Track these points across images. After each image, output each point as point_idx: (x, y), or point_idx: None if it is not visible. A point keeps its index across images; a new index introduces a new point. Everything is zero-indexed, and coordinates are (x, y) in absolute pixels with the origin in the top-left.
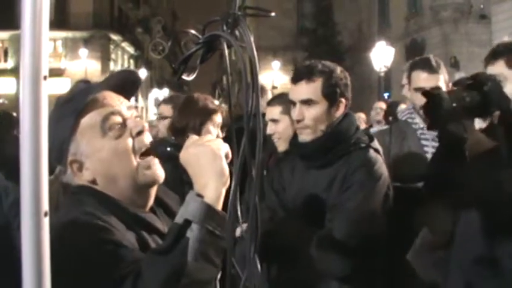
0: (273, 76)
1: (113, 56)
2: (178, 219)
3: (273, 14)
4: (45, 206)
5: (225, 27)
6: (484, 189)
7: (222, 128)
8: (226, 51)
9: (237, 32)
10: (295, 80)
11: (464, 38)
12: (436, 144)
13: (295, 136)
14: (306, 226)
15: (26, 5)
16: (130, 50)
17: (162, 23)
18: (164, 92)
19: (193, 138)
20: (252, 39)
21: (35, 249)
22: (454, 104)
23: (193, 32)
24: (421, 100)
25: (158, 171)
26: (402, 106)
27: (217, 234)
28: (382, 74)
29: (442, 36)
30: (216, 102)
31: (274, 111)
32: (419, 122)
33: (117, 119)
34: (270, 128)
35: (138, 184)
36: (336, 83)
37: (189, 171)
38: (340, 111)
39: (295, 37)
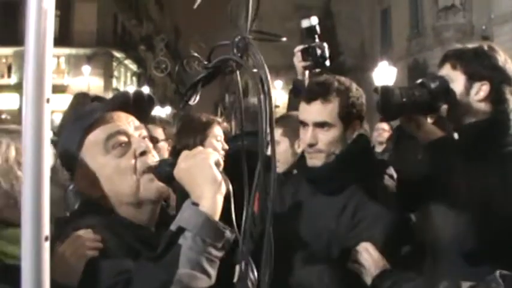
0: (276, 95)
1: (115, 73)
2: (173, 226)
3: (284, 38)
4: (46, 230)
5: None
6: (440, 173)
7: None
8: (239, 77)
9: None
10: (308, 99)
11: None
12: None
13: (301, 158)
14: (309, 255)
15: (30, 28)
16: (133, 67)
17: (165, 41)
18: (166, 110)
19: (184, 153)
20: (263, 61)
21: (35, 273)
22: (404, 99)
23: (196, 55)
24: None
25: (160, 186)
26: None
27: (210, 243)
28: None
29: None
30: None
31: (275, 133)
32: None
33: (122, 137)
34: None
35: (141, 199)
36: (353, 103)
37: (184, 186)
38: (355, 133)
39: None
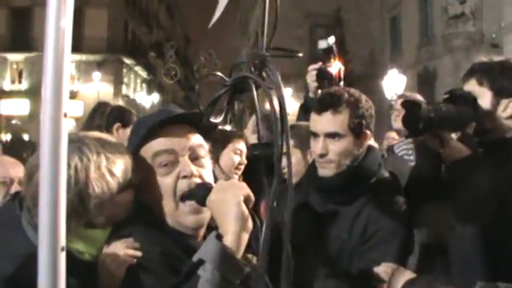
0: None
1: (125, 79)
2: (195, 257)
3: (300, 54)
4: (63, 241)
5: (252, 68)
6: (466, 192)
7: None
8: (255, 93)
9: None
10: (319, 109)
11: None
12: None
13: (312, 168)
14: (319, 263)
15: (48, 46)
16: (143, 74)
17: (175, 48)
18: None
19: (218, 184)
20: (280, 80)
21: (51, 283)
22: (432, 115)
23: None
24: None
25: (202, 216)
26: (392, 135)
27: (228, 278)
28: (394, 103)
29: (453, 65)
30: (228, 127)
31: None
32: (413, 159)
33: (169, 157)
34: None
35: (181, 224)
36: (363, 114)
37: (214, 216)
38: (365, 144)
39: (307, 64)
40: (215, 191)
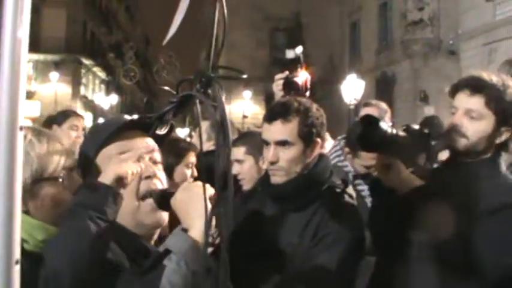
0: (244, 106)
1: (83, 80)
2: (161, 248)
3: (244, 76)
4: (17, 254)
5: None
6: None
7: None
8: (199, 109)
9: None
10: (269, 119)
11: (434, 72)
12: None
13: (266, 175)
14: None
15: (4, 57)
16: (102, 75)
17: (134, 49)
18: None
19: (183, 185)
20: (224, 99)
21: None
22: (387, 133)
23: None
24: None
25: (159, 216)
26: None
27: (193, 269)
28: (352, 107)
29: (412, 71)
30: (187, 129)
31: (239, 152)
32: (348, 164)
33: (132, 158)
34: (235, 169)
35: (140, 222)
36: (313, 122)
37: (178, 215)
38: (316, 151)
39: (267, 67)
40: (180, 191)
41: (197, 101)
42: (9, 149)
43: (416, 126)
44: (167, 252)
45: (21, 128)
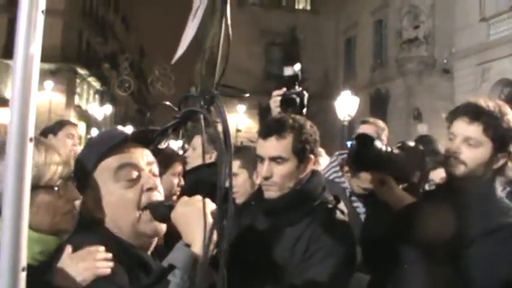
0: (238, 119)
1: (78, 90)
2: (165, 262)
3: (247, 94)
4: (24, 262)
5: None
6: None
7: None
8: (203, 124)
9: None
10: (264, 135)
11: (427, 90)
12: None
13: (259, 190)
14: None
15: (17, 72)
16: (96, 85)
17: (129, 60)
18: (128, 129)
19: (183, 199)
20: (227, 117)
21: None
22: (382, 151)
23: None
24: None
25: (159, 225)
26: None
27: (196, 284)
28: (346, 123)
29: (405, 88)
30: (180, 141)
31: (233, 165)
32: (345, 180)
33: (133, 171)
34: None
35: (140, 232)
36: (306, 139)
37: (178, 228)
38: (309, 167)
39: (262, 81)
40: (182, 205)
41: (201, 117)
42: (19, 160)
43: (412, 143)
44: (171, 267)
45: (31, 140)
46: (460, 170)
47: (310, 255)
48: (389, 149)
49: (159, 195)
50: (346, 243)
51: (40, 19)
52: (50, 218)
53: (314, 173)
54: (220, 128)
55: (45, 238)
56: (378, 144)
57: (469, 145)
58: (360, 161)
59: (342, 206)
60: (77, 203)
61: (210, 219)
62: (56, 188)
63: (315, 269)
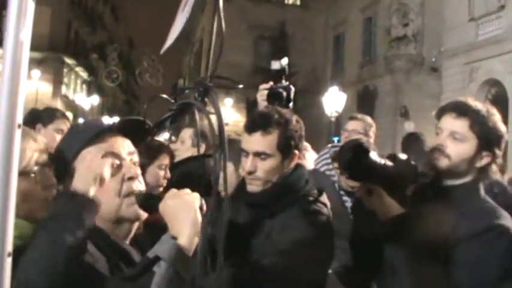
0: (225, 113)
1: (65, 79)
2: (150, 254)
3: (241, 86)
4: (9, 247)
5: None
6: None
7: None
8: (198, 117)
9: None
10: (250, 130)
11: (415, 88)
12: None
13: (242, 183)
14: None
15: (6, 59)
16: (84, 75)
17: (118, 51)
18: (115, 120)
19: (172, 191)
20: (220, 108)
21: None
22: (376, 161)
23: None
24: None
25: (140, 210)
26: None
27: (181, 276)
28: (333, 119)
29: (393, 85)
30: (166, 134)
31: None
32: (335, 174)
33: (114, 159)
34: None
35: (121, 217)
36: (292, 135)
37: (166, 220)
38: (293, 162)
39: (250, 75)
40: (170, 197)
41: (195, 109)
42: (7, 146)
43: (403, 156)
44: (157, 258)
45: (19, 126)
46: (444, 163)
47: (277, 235)
48: (383, 162)
49: (140, 185)
50: (317, 228)
51: (31, 6)
52: (27, 204)
53: (297, 166)
54: (214, 120)
55: (21, 223)
56: (373, 155)
57: (454, 139)
58: (353, 170)
59: (324, 198)
60: (55, 190)
61: (198, 216)
62: (33, 175)
63: (277, 243)
